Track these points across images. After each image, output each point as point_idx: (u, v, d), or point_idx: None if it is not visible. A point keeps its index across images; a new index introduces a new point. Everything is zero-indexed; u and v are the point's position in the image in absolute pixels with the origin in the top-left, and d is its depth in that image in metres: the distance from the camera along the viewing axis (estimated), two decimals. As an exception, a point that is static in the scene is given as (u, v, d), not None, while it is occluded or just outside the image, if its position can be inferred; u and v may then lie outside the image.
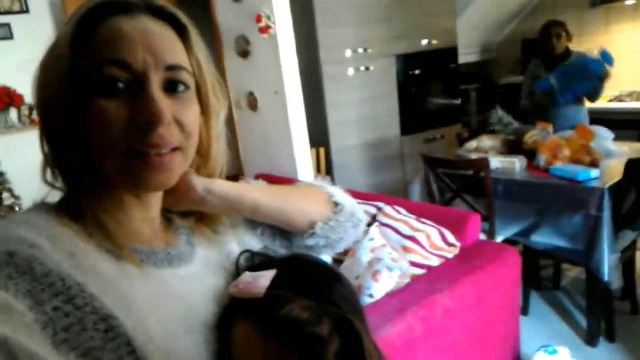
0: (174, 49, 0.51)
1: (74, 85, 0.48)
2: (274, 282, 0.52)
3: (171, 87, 0.50)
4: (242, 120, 3.61)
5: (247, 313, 0.50)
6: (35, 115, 3.28)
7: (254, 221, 0.68)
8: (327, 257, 2.30)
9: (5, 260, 0.41)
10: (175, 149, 0.50)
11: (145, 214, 0.56)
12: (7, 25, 3.24)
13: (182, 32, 0.53)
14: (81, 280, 0.44)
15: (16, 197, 3.20)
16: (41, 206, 0.51)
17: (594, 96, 2.96)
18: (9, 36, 3.25)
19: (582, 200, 2.16)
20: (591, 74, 2.75)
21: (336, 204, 0.72)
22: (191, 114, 0.53)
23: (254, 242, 0.69)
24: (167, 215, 0.62)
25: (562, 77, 2.85)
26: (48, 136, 0.51)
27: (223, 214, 0.65)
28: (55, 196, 0.54)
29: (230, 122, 3.75)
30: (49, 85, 0.49)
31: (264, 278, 0.52)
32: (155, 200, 0.57)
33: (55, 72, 0.49)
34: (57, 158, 0.52)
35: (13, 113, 3.31)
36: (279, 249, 0.71)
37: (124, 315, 0.44)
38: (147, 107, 0.47)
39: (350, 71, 3.43)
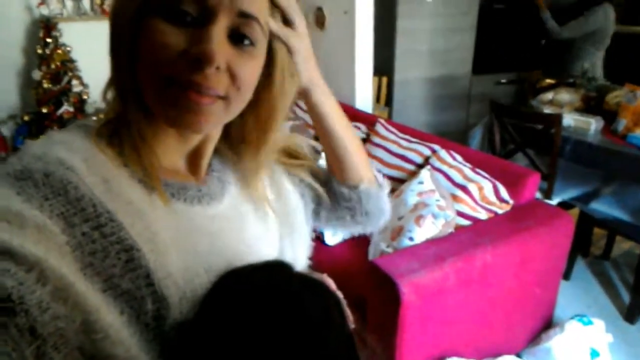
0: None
1: (143, 3, 0.46)
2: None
3: (236, 37, 0.47)
4: (308, 37, 3.48)
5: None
6: (106, 5, 3.29)
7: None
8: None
9: (42, 181, 0.42)
10: (219, 97, 0.47)
11: (183, 147, 0.55)
12: None
13: None
14: (111, 208, 0.44)
15: (85, 85, 3.31)
16: (81, 127, 0.50)
17: None
18: None
19: (656, 176, 2.00)
20: None
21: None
22: (249, 69, 0.49)
23: (289, 184, 0.68)
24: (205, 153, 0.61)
25: None
26: (111, 49, 0.50)
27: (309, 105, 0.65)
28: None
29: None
30: None
31: None
32: (196, 136, 0.55)
33: None
34: (114, 74, 0.51)
35: (86, 0, 3.34)
36: (318, 187, 0.70)
37: (148, 248, 0.45)
38: (202, 43, 0.44)
39: (430, -3, 3.19)
